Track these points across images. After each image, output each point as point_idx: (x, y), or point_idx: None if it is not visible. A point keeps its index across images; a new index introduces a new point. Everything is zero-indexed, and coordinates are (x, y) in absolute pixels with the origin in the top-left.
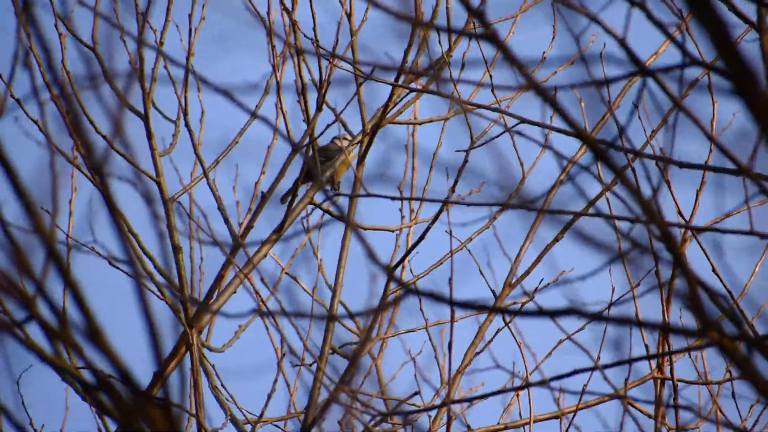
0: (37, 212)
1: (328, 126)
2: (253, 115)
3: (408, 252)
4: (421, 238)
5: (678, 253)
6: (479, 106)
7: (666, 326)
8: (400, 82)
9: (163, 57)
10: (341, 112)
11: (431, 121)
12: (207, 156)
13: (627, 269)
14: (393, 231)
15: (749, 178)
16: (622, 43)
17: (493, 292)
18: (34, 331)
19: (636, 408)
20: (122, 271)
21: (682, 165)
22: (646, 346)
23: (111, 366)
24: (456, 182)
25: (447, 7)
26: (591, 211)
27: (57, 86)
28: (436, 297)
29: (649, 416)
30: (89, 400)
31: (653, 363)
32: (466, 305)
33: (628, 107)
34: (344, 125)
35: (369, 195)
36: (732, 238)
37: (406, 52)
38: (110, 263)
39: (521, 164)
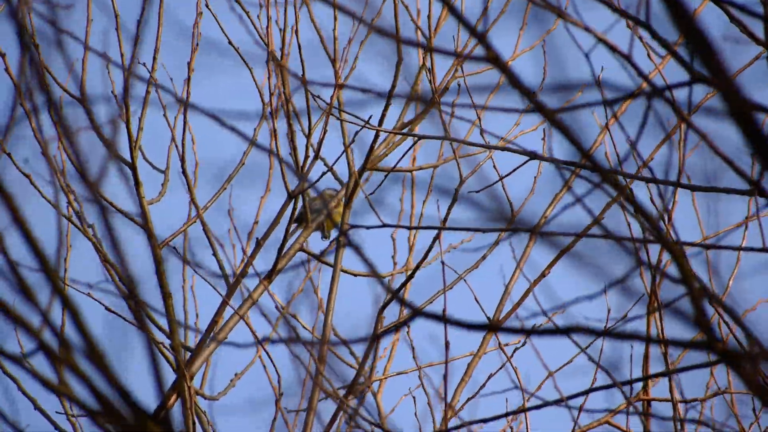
0: (42, 249)
1: (318, 178)
2: (251, 143)
3: (410, 276)
4: (423, 258)
5: (685, 269)
6: (473, 144)
7: (670, 341)
8: (391, 128)
9: (155, 86)
10: (333, 164)
11: (420, 169)
12: (200, 196)
13: (648, 285)
14: (383, 278)
15: (762, 197)
16: (629, 59)
17: (488, 319)
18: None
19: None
20: (124, 319)
21: (694, 188)
22: (667, 363)
23: (112, 387)
24: (449, 210)
25: (429, 20)
26: (594, 232)
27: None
28: (440, 318)
29: None
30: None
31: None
32: (472, 326)
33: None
34: (334, 175)
35: (360, 227)
36: (727, 255)
37: (394, 78)
38: (107, 309)
39: (503, 185)
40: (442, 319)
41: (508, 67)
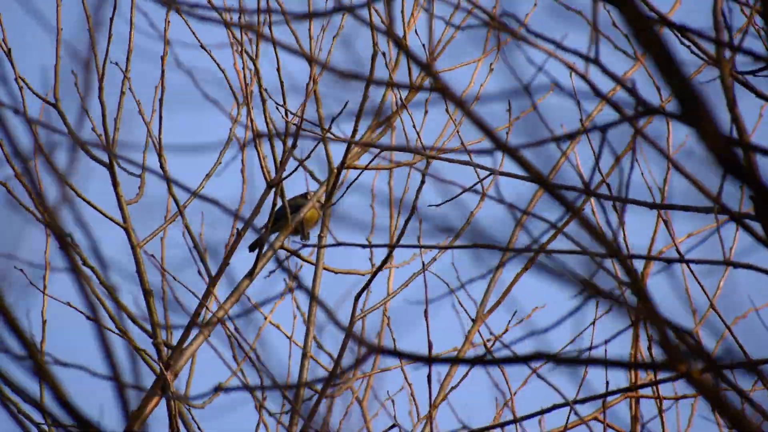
0: None
1: (293, 170)
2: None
3: (359, 294)
4: (372, 277)
5: (643, 292)
6: (445, 160)
7: (635, 363)
8: (358, 136)
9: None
10: (305, 159)
11: (399, 166)
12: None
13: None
14: (363, 274)
15: (723, 213)
16: (585, 78)
17: (472, 320)
18: None
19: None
20: (106, 328)
21: (660, 207)
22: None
23: (59, 404)
24: (406, 222)
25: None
26: (552, 250)
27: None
28: (394, 353)
29: None
30: None
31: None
32: (439, 360)
33: (581, 156)
34: (311, 174)
35: (333, 245)
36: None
37: (360, 107)
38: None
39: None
40: (395, 353)
41: (456, 97)
